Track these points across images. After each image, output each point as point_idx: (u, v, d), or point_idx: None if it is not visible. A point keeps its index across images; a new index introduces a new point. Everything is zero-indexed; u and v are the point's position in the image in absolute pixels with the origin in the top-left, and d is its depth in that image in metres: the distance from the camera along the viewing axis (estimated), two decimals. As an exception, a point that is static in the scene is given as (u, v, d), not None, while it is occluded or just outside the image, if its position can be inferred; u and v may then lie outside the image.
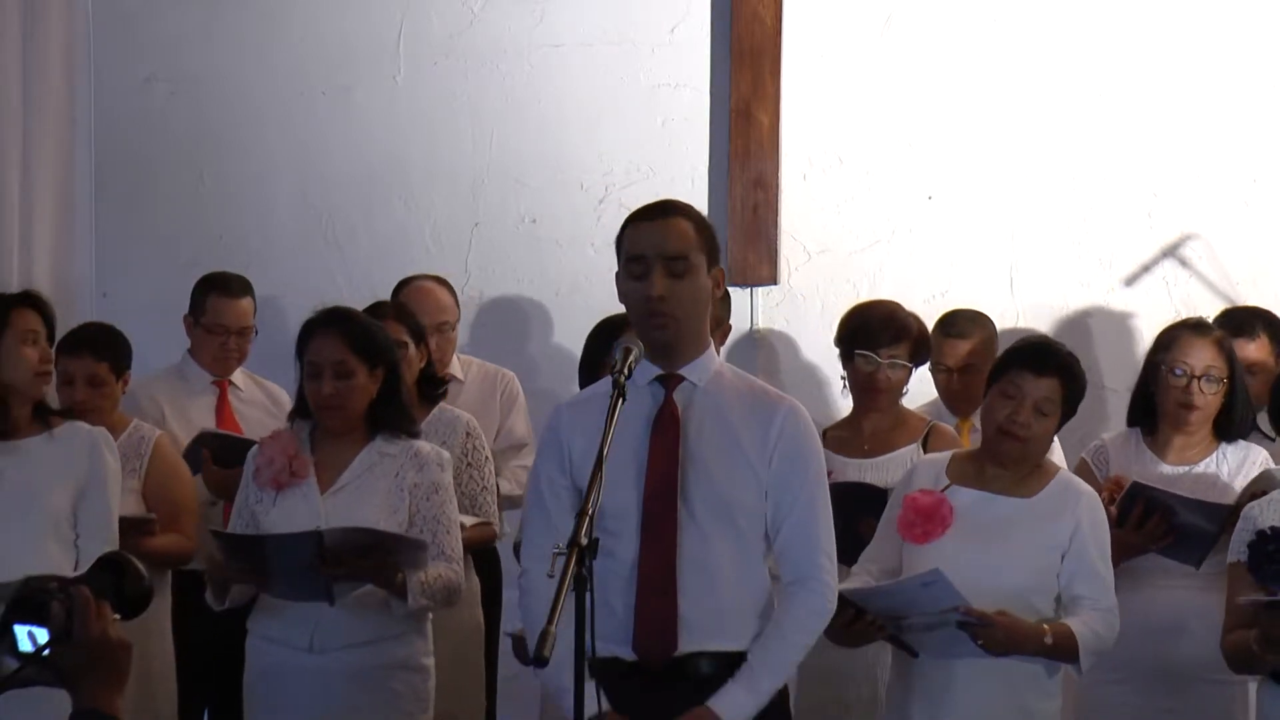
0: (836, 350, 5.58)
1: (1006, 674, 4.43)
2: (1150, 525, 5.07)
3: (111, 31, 7.09)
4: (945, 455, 4.72)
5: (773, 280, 7.21)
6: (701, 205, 7.08)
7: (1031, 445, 4.56)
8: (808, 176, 7.26)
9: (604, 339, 5.19)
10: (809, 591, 4.03)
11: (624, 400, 3.77)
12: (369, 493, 4.86)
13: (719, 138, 7.23)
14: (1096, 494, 4.72)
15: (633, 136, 7.26)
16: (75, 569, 4.82)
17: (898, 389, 5.42)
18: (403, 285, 6.40)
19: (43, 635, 2.94)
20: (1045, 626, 4.41)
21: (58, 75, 6.71)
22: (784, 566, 4.06)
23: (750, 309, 7.22)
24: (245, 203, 7.34)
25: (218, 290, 6.37)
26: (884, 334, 5.38)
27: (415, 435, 5.02)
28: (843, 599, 4.24)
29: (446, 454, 5.05)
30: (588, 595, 3.47)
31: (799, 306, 7.22)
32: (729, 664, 3.97)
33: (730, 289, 7.16)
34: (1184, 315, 6.97)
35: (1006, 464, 4.57)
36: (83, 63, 6.76)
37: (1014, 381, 4.53)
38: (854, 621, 4.34)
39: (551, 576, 3.41)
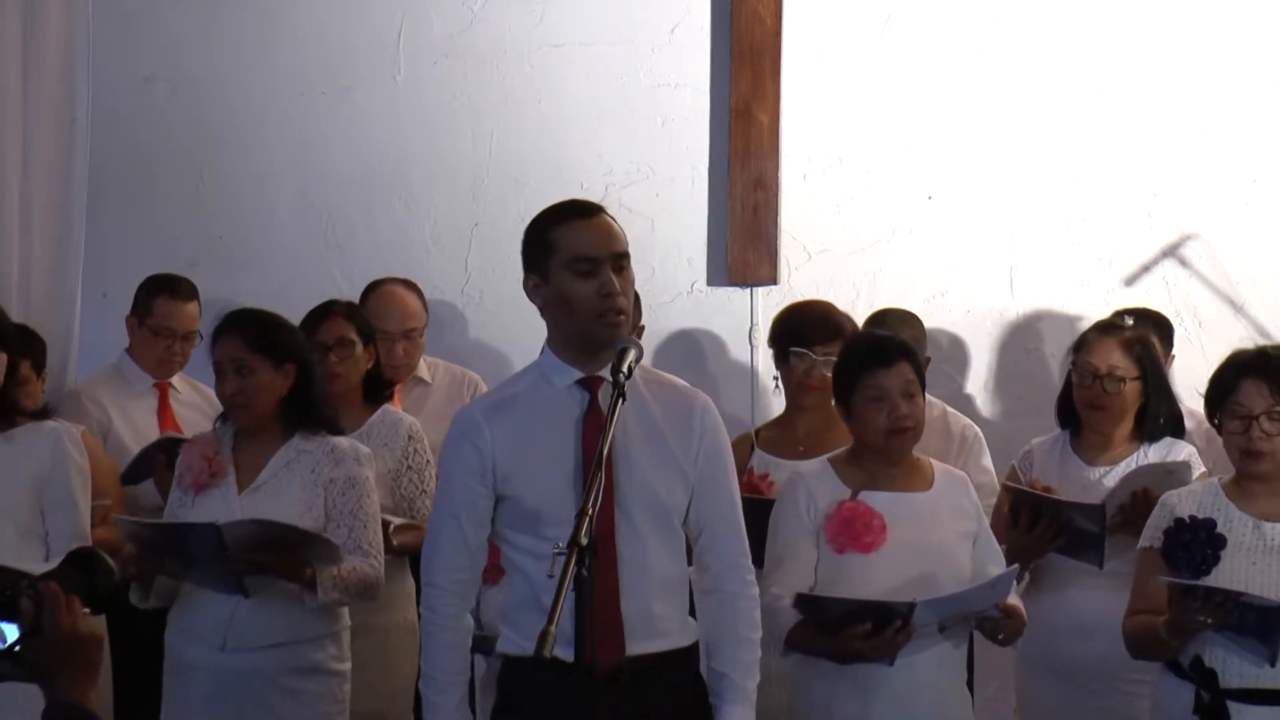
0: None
1: (948, 663, 4.53)
2: (1040, 528, 5.17)
3: (111, 31, 7.09)
4: (820, 468, 4.71)
5: (773, 280, 7.20)
6: (701, 205, 7.22)
7: (919, 429, 4.63)
8: (808, 176, 7.26)
9: None
10: (744, 585, 4.09)
11: (624, 400, 3.74)
12: (285, 490, 4.91)
13: (719, 138, 7.23)
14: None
15: (633, 136, 7.26)
16: (46, 563, 4.86)
17: (831, 387, 5.40)
18: (371, 289, 6.35)
19: (12, 631, 2.96)
20: (1021, 610, 4.55)
21: (57, 75, 6.69)
22: (711, 560, 4.09)
23: (750, 309, 7.21)
24: (245, 203, 7.34)
25: (166, 293, 6.29)
26: (819, 332, 5.40)
27: (336, 431, 5.05)
28: (894, 610, 4.30)
29: (366, 450, 5.07)
30: (588, 596, 3.46)
31: (799, 307, 7.21)
32: (667, 662, 3.99)
33: (730, 289, 7.18)
34: (1184, 315, 7.01)
35: (900, 459, 4.63)
36: (82, 62, 6.73)
37: (874, 384, 4.58)
38: (900, 630, 4.35)
39: (551, 576, 3.40)
